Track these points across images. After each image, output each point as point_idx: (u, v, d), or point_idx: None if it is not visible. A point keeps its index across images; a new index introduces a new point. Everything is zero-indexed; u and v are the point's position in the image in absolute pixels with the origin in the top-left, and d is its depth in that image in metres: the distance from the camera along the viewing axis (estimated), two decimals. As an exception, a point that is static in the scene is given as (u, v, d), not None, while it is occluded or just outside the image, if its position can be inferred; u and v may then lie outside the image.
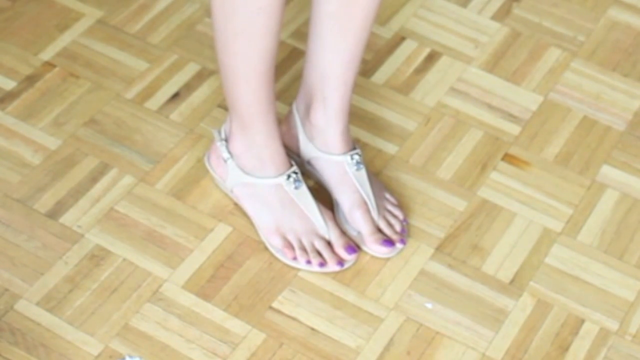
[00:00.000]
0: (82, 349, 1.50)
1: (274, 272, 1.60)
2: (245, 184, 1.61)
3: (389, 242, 1.61)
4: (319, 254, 1.59)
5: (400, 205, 1.68)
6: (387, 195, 1.66)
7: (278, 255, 1.60)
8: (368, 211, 1.62)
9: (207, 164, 1.68)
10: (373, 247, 1.61)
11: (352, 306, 1.57)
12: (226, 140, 1.62)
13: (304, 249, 1.59)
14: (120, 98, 1.82)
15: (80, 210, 1.66)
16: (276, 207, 1.60)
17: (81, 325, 1.53)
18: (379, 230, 1.62)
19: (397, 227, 1.64)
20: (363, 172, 1.63)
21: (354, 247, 1.60)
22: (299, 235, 1.59)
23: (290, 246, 1.59)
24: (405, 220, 1.66)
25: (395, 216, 1.65)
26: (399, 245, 1.62)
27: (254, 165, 1.60)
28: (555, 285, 1.62)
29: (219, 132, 1.64)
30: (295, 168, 1.61)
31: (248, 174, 1.60)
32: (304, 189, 1.60)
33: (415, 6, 2.01)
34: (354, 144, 1.66)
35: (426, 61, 1.92)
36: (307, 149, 1.65)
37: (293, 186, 1.59)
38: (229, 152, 1.62)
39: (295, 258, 1.59)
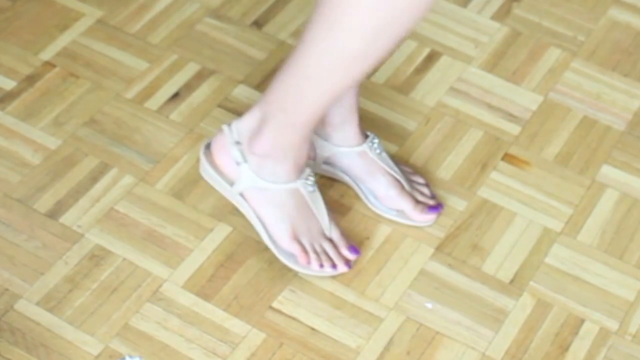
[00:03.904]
0: (82, 348, 1.50)
1: (274, 272, 1.60)
2: (260, 189, 1.57)
3: (433, 208, 1.66)
4: (328, 256, 1.59)
5: (417, 171, 1.73)
6: (402, 167, 1.70)
7: (288, 262, 1.58)
8: (403, 188, 1.65)
9: (205, 164, 1.64)
10: (421, 218, 1.66)
11: (352, 306, 1.57)
12: (239, 142, 1.58)
13: (316, 253, 1.58)
14: (120, 98, 1.82)
15: (80, 210, 1.66)
16: (292, 212, 1.57)
17: (81, 325, 1.53)
18: (418, 201, 1.66)
19: (427, 192, 1.68)
20: (385, 154, 1.66)
21: (355, 247, 1.61)
22: (311, 239, 1.58)
23: (305, 251, 1.58)
24: (427, 183, 1.70)
25: (419, 183, 1.69)
26: (439, 209, 1.68)
27: (274, 169, 1.55)
28: (555, 285, 1.62)
29: (231, 133, 1.58)
30: (310, 170, 1.59)
31: (264, 178, 1.56)
32: (317, 191, 1.60)
33: (415, 6, 2.01)
34: (365, 132, 1.67)
35: (426, 61, 1.92)
36: (325, 148, 1.65)
37: (310, 189, 1.58)
38: (243, 156, 1.58)
39: (309, 263, 1.58)
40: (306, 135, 1.53)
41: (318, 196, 1.59)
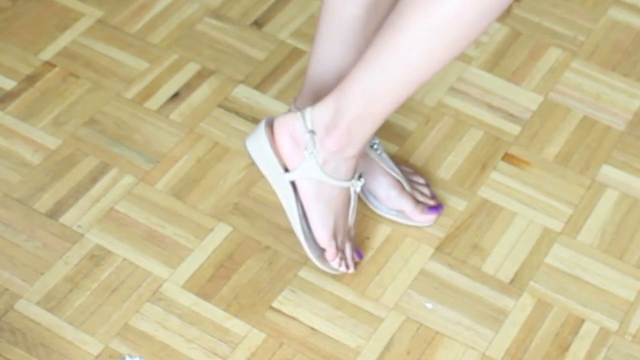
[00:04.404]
0: (82, 348, 1.50)
1: (274, 272, 1.60)
2: (316, 181, 1.53)
3: (433, 208, 1.67)
4: (344, 255, 1.59)
5: (417, 171, 1.73)
6: (402, 167, 1.70)
7: (312, 255, 1.56)
8: (403, 188, 1.66)
9: (264, 140, 1.53)
10: (421, 218, 1.66)
11: (352, 306, 1.57)
12: (313, 131, 1.51)
13: (341, 251, 1.58)
14: (120, 98, 1.82)
15: (80, 210, 1.66)
16: (338, 210, 1.56)
17: (81, 325, 1.53)
18: (418, 201, 1.66)
19: (427, 192, 1.69)
20: (385, 155, 1.65)
21: (359, 250, 1.62)
22: (342, 238, 1.58)
23: (337, 248, 1.57)
24: (427, 183, 1.70)
25: (420, 183, 1.69)
26: (439, 209, 1.68)
27: (338, 166, 1.52)
28: (555, 285, 1.62)
29: (305, 121, 1.51)
30: (360, 171, 1.57)
31: (326, 173, 1.52)
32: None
33: (415, 6, 2.01)
34: None
35: (426, 61, 1.92)
36: None
37: (358, 189, 1.56)
38: (315, 146, 1.51)
39: (334, 260, 1.57)
40: (377, 129, 1.50)
41: (356, 196, 1.58)
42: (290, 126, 1.52)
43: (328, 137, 1.49)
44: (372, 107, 1.46)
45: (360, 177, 1.56)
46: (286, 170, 1.53)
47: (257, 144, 1.54)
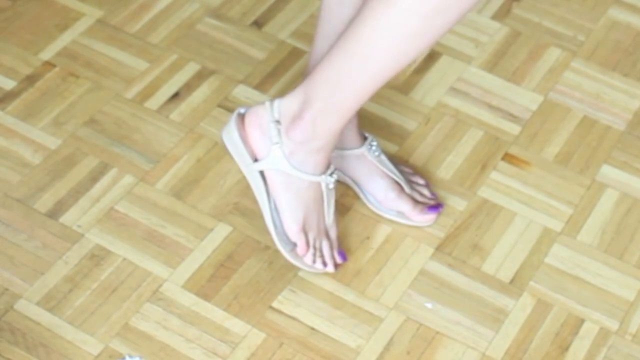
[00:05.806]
0: (82, 348, 1.50)
1: (274, 272, 1.61)
2: (284, 173, 1.53)
3: (432, 208, 1.67)
4: (322, 254, 1.59)
5: (417, 171, 1.73)
6: (402, 167, 1.70)
7: (284, 249, 1.57)
8: (402, 190, 1.66)
9: (234, 130, 1.55)
10: (421, 219, 1.66)
11: (352, 306, 1.58)
12: (278, 121, 1.52)
13: (314, 248, 1.58)
14: (120, 98, 1.82)
15: (80, 210, 1.66)
16: (308, 204, 1.56)
17: (81, 325, 1.53)
18: (417, 202, 1.66)
19: (427, 193, 1.69)
20: (384, 156, 1.66)
21: (344, 252, 1.62)
22: (315, 234, 1.58)
23: (307, 244, 1.57)
24: (427, 183, 1.70)
25: (419, 184, 1.69)
26: (439, 209, 1.68)
27: (305, 159, 1.52)
28: (555, 285, 1.62)
29: (272, 110, 1.52)
30: (333, 167, 1.57)
31: (292, 165, 1.52)
32: (334, 189, 1.59)
33: (415, 6, 2.01)
34: (364, 133, 1.67)
35: (426, 61, 1.92)
36: None
37: (331, 186, 1.56)
38: (280, 136, 1.52)
39: (305, 256, 1.57)
40: (344, 124, 1.50)
41: (332, 194, 1.58)
42: (259, 117, 1.53)
43: (293, 127, 1.50)
44: (335, 99, 1.46)
45: (332, 173, 1.55)
46: (256, 161, 1.54)
47: (229, 133, 1.56)
